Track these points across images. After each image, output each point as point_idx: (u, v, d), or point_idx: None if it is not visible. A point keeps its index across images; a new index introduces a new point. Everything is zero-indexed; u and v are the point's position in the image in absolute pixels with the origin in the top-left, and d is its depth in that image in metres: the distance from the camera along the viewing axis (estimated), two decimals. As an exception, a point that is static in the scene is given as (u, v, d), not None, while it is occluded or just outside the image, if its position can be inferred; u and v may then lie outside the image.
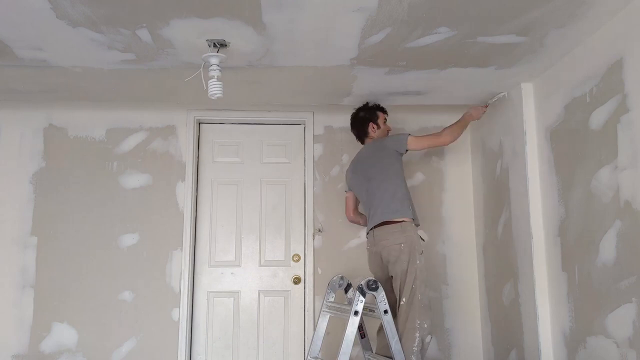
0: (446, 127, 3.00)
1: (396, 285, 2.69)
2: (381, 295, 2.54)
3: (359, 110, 3.13)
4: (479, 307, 3.55)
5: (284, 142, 3.68)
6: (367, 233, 2.90)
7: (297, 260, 3.54)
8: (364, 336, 2.83)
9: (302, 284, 3.51)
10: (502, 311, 3.22)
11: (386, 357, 2.67)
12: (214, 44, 2.35)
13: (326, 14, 2.12)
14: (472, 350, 3.51)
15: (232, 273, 3.52)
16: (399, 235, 2.69)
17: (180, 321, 3.36)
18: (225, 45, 2.38)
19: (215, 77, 2.38)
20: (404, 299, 2.63)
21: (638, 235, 2.06)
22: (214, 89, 2.39)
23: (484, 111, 3.15)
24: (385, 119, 3.12)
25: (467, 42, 2.43)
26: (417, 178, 3.67)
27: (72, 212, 3.43)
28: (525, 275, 2.90)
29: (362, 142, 3.14)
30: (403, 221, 2.71)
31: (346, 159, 3.61)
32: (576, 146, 2.51)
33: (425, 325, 2.58)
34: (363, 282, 2.53)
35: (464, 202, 3.67)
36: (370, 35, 2.33)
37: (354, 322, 2.51)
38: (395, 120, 3.70)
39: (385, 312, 2.53)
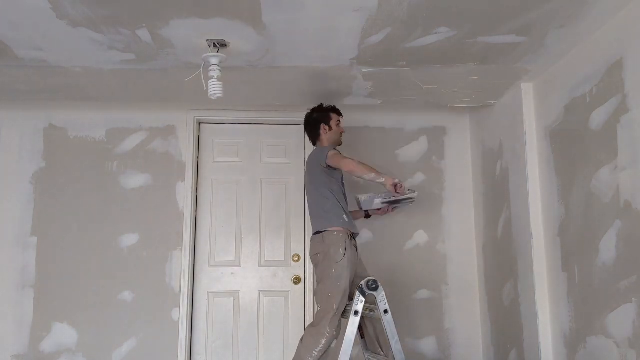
0: (361, 162, 2.71)
1: (316, 290, 2.75)
2: (381, 295, 2.54)
3: (313, 111, 3.03)
4: (479, 307, 3.55)
5: (284, 142, 3.68)
6: None
7: (297, 260, 3.54)
8: (364, 336, 2.83)
9: (302, 284, 3.51)
10: (502, 311, 3.22)
11: (386, 357, 2.67)
12: (214, 44, 2.35)
13: (326, 14, 2.12)
14: (472, 350, 3.51)
15: (232, 273, 3.52)
16: (319, 245, 2.73)
17: (180, 321, 3.36)
18: (225, 45, 2.38)
19: (215, 77, 2.37)
20: (319, 305, 2.69)
21: (638, 235, 2.06)
22: (214, 89, 2.38)
23: (395, 186, 2.63)
24: (339, 121, 3.00)
25: (467, 42, 2.43)
26: (417, 178, 3.67)
27: (72, 212, 3.43)
28: (525, 275, 2.90)
29: (314, 145, 3.06)
30: (325, 231, 2.73)
31: (346, 159, 3.61)
32: (576, 146, 2.51)
33: (335, 334, 2.60)
34: (363, 282, 2.53)
35: (464, 202, 3.67)
36: (370, 35, 2.33)
37: (354, 322, 2.51)
38: (395, 120, 3.71)
39: (385, 312, 2.53)
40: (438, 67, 2.74)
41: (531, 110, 2.94)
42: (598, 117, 2.33)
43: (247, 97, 3.24)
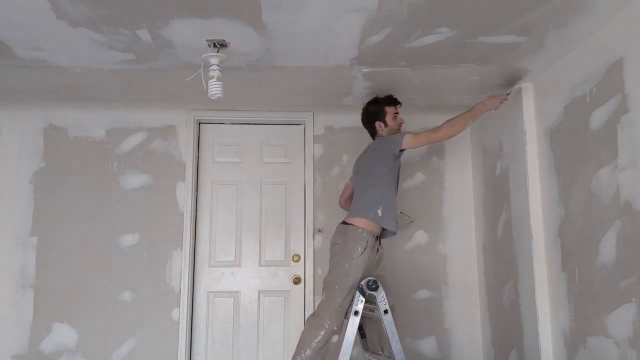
0: (449, 119, 2.76)
1: (325, 279, 2.71)
2: (381, 295, 2.54)
3: (368, 104, 2.96)
4: (479, 307, 3.55)
5: (284, 142, 3.68)
6: None
7: (297, 261, 3.54)
8: (364, 336, 2.83)
9: (302, 284, 3.51)
10: (502, 311, 3.22)
11: (386, 357, 2.67)
12: (214, 44, 2.35)
13: (326, 14, 2.12)
14: (472, 350, 3.51)
15: (232, 273, 3.52)
16: (340, 236, 2.69)
17: (180, 321, 3.36)
18: (225, 46, 2.38)
19: (215, 77, 2.38)
20: (324, 295, 2.65)
21: (638, 235, 2.06)
22: (214, 89, 2.38)
23: (503, 101, 2.81)
24: (396, 114, 2.92)
25: (467, 42, 2.43)
26: (417, 178, 3.67)
27: (72, 212, 3.43)
28: (525, 275, 2.90)
29: (373, 139, 3.00)
30: (351, 224, 2.68)
31: (346, 159, 3.61)
32: (576, 146, 2.51)
33: (335, 328, 2.55)
34: (363, 282, 2.54)
35: (464, 202, 3.67)
36: (370, 35, 2.33)
37: (354, 322, 2.51)
38: (395, 120, 3.70)
39: (386, 312, 2.53)
40: (438, 67, 2.74)
41: (531, 110, 2.93)
42: (598, 117, 2.33)
43: (247, 97, 3.24)
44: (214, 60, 2.37)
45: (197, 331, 3.45)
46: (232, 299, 3.50)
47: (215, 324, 3.46)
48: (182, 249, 3.43)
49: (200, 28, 2.23)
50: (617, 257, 2.19)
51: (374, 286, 2.52)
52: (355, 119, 3.59)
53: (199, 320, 3.46)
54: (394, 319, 2.56)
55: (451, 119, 2.74)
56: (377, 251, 2.77)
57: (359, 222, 2.67)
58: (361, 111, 3.01)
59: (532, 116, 2.92)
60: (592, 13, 2.16)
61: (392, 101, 2.94)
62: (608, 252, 2.25)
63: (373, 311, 2.61)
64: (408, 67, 2.73)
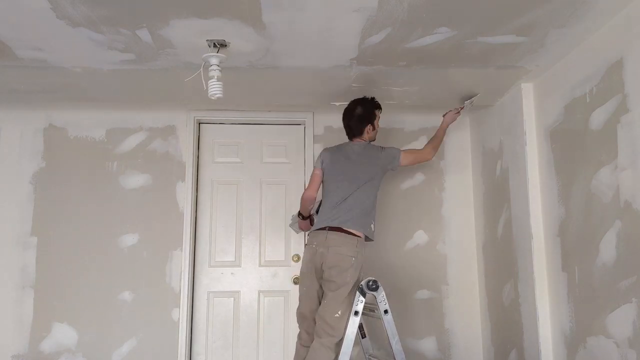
0: (428, 142, 3.04)
1: (333, 293, 2.55)
2: (381, 295, 2.54)
3: (357, 104, 2.81)
4: (479, 307, 3.55)
5: (284, 142, 3.67)
6: (318, 229, 2.68)
7: (297, 261, 3.54)
8: (364, 336, 2.83)
9: (302, 284, 3.51)
10: (502, 311, 3.22)
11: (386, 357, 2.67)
12: (214, 44, 2.35)
13: (326, 14, 2.12)
14: (472, 350, 3.51)
15: (232, 273, 3.52)
16: (353, 249, 2.58)
17: (180, 321, 3.36)
18: (225, 45, 2.38)
19: (215, 77, 2.37)
20: (339, 312, 2.51)
21: (638, 235, 2.06)
22: (214, 89, 2.38)
23: (458, 113, 3.12)
24: (379, 117, 2.89)
25: (467, 42, 2.43)
26: (417, 178, 3.67)
27: (72, 212, 3.43)
28: (525, 275, 2.90)
29: (350, 139, 2.87)
30: (359, 237, 2.62)
31: (346, 159, 3.61)
32: (576, 146, 2.51)
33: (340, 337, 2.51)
34: (363, 282, 2.53)
35: (464, 202, 3.67)
36: (370, 35, 2.33)
37: (354, 322, 2.51)
38: (395, 120, 3.71)
39: (386, 312, 2.53)
40: (438, 68, 2.74)
41: (531, 110, 2.94)
42: (598, 117, 2.33)
43: (247, 97, 3.24)
44: (214, 60, 2.36)
45: (197, 331, 3.45)
46: (232, 299, 3.50)
47: (215, 324, 3.46)
48: (182, 249, 3.43)
49: (200, 28, 2.23)
50: (617, 257, 2.20)
51: (374, 286, 2.52)
52: (355, 119, 3.60)
53: (199, 320, 3.46)
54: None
55: (431, 142, 3.03)
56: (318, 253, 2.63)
57: (362, 235, 2.63)
58: (345, 109, 2.86)
59: (532, 116, 2.93)
60: (592, 13, 2.16)
61: (379, 106, 2.87)
62: (608, 252, 2.26)
63: (373, 311, 2.61)
64: (408, 67, 2.73)
